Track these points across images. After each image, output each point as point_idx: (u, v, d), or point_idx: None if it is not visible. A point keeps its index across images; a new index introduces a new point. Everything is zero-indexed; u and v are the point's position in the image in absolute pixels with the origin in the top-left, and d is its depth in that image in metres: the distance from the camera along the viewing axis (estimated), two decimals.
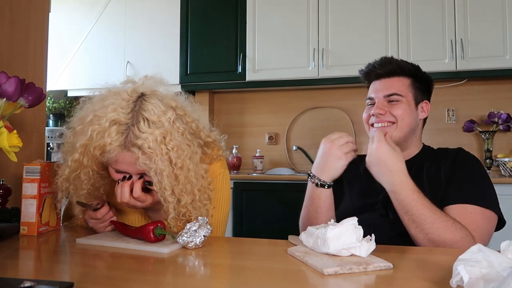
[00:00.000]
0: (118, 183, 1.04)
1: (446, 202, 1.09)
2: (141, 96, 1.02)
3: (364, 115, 1.28)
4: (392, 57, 1.29)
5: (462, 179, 1.12)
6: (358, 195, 1.25)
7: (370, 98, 1.26)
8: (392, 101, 1.21)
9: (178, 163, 0.98)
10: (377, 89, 1.25)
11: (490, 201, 1.09)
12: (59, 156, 1.10)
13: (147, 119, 0.97)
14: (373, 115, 1.23)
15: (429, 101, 1.28)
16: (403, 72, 1.24)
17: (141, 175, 1.03)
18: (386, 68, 1.24)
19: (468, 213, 1.05)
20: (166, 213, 1.03)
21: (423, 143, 1.30)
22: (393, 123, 1.20)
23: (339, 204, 1.25)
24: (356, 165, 1.26)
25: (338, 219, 0.93)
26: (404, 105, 1.21)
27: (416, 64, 1.28)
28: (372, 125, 1.24)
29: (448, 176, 1.15)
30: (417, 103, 1.24)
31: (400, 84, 1.23)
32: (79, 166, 1.01)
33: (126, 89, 1.03)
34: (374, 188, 1.16)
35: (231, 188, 1.35)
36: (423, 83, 1.27)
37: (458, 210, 1.06)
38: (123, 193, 1.02)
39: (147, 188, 1.03)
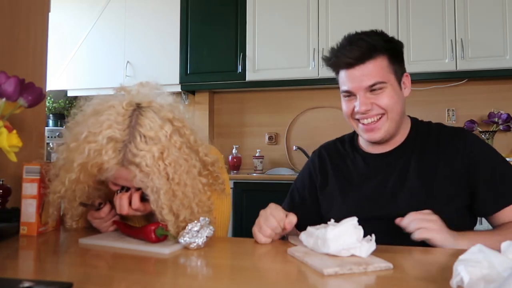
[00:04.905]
0: (117, 194, 1.03)
1: (491, 209, 1.05)
2: (137, 109, 0.98)
3: (345, 109, 1.13)
4: (358, 34, 1.10)
5: (493, 177, 1.06)
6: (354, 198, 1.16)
7: (347, 91, 1.10)
8: (375, 89, 1.07)
9: (175, 178, 0.96)
10: (353, 79, 1.08)
11: None
12: (51, 169, 1.06)
13: (144, 135, 0.95)
14: (359, 112, 1.09)
15: (405, 70, 1.16)
16: (376, 51, 1.07)
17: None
18: (356, 52, 1.06)
19: None
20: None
21: (408, 116, 1.20)
22: (383, 114, 1.09)
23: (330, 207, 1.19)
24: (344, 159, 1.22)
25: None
26: (390, 92, 1.07)
27: (380, 30, 1.12)
28: (359, 120, 1.11)
29: (468, 173, 1.06)
30: (399, 81, 1.12)
31: (378, 69, 1.06)
32: (75, 183, 1.00)
33: (121, 101, 0.99)
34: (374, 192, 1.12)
35: (231, 188, 1.35)
36: (399, 54, 1.13)
37: (509, 213, 1.03)
38: (121, 205, 1.01)
39: (145, 198, 1.01)
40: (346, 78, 1.10)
